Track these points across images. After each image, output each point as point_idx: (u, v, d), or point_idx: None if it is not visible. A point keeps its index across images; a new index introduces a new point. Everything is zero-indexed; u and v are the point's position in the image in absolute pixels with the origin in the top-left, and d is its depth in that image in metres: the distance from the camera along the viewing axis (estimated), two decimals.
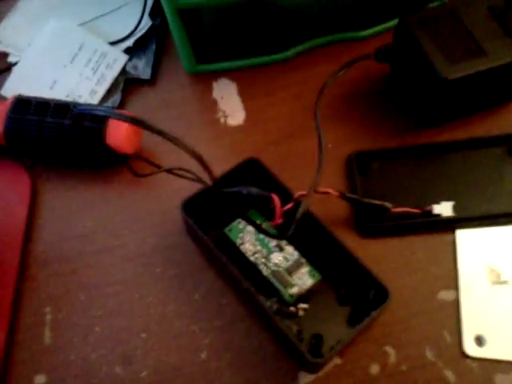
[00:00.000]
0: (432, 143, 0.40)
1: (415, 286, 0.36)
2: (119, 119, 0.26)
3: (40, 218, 0.41)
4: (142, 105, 0.46)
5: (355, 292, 0.34)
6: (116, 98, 0.46)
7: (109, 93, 0.46)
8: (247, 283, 0.33)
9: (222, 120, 0.45)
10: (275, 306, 0.34)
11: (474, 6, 0.40)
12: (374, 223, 0.38)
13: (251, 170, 0.38)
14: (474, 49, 0.37)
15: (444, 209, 0.37)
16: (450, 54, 0.37)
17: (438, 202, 0.37)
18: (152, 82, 0.47)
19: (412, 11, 0.40)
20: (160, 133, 0.26)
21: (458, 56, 0.37)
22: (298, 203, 0.35)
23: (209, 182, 0.36)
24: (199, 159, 0.27)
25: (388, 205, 0.37)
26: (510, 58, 0.37)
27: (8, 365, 0.35)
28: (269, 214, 0.37)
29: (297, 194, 0.36)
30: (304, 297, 0.35)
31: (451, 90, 0.37)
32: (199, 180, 0.37)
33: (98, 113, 0.29)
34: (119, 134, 0.39)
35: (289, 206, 0.35)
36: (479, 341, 0.34)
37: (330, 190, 0.36)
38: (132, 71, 0.47)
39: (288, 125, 0.44)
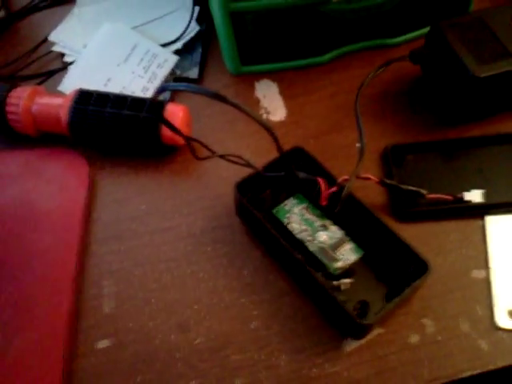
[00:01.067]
0: (462, 138, 0.44)
1: (449, 265, 0.39)
2: (203, 94, 0.30)
3: (97, 201, 0.44)
4: (189, 102, 0.49)
5: (395, 269, 0.37)
6: (166, 94, 0.50)
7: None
8: (299, 255, 0.36)
9: (265, 116, 0.49)
10: (322, 280, 0.37)
11: (500, 14, 0.44)
12: (409, 208, 0.41)
13: (296, 159, 0.42)
14: (501, 51, 0.41)
15: (474, 196, 0.40)
16: (479, 56, 0.41)
17: (468, 190, 0.41)
18: (199, 81, 0.51)
19: (443, 18, 0.44)
20: (237, 106, 0.29)
21: (487, 57, 0.41)
22: (341, 187, 0.38)
23: (259, 168, 0.40)
24: (270, 131, 0.31)
25: (423, 191, 0.40)
26: None
27: (74, 331, 0.38)
28: (313, 199, 0.40)
29: (340, 178, 0.39)
30: (347, 272, 0.38)
31: (481, 87, 0.41)
32: (249, 165, 0.40)
33: (180, 88, 0.33)
34: (176, 122, 0.43)
35: (333, 188, 0.39)
36: (511, 314, 0.36)
37: (371, 176, 0.40)
38: (180, 71, 0.51)
39: (325, 121, 0.48)
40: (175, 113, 0.44)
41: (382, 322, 0.36)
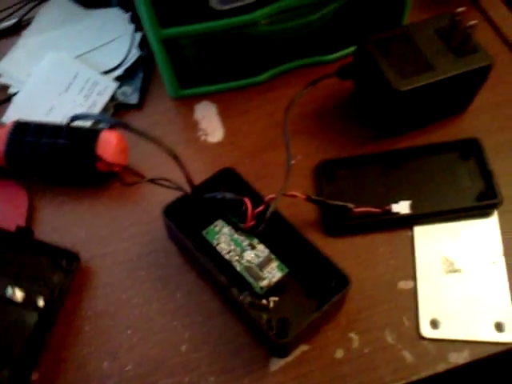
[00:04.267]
0: (391, 150, 0.44)
1: (378, 277, 0.39)
2: (106, 122, 0.31)
3: (37, 230, 0.44)
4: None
5: (321, 284, 0.38)
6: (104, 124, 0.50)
7: None
8: (222, 277, 0.36)
9: (203, 138, 0.49)
10: (248, 299, 0.37)
11: (423, 29, 0.44)
12: (338, 223, 0.41)
13: (227, 180, 0.42)
14: (423, 64, 0.42)
15: (402, 207, 0.41)
16: (401, 70, 0.42)
17: (397, 202, 0.41)
18: (139, 106, 0.52)
19: (371, 34, 0.45)
20: (141, 134, 0.30)
21: (409, 71, 0.41)
22: (268, 206, 0.39)
23: (188, 190, 0.40)
24: (175, 157, 0.31)
25: (350, 205, 0.40)
26: (454, 72, 0.41)
27: None
28: (242, 218, 0.41)
29: (267, 197, 0.39)
30: (274, 290, 0.38)
31: (404, 100, 0.42)
32: (179, 188, 0.41)
33: (89, 117, 0.34)
34: (109, 149, 0.43)
35: (260, 208, 0.39)
36: (434, 324, 0.37)
37: (297, 193, 0.40)
38: (121, 97, 0.52)
39: (262, 140, 0.48)
40: (109, 140, 0.44)
41: (307, 339, 0.37)
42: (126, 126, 0.31)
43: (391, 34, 0.45)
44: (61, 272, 0.41)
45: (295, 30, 0.47)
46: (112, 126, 0.48)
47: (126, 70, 0.53)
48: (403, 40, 0.44)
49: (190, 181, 0.34)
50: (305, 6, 0.44)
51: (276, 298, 0.38)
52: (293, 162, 0.45)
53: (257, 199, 0.40)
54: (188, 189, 0.40)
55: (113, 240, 0.44)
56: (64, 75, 0.53)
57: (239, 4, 0.41)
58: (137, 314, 0.40)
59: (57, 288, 0.40)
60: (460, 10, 0.42)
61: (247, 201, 0.39)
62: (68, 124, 0.37)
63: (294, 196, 0.40)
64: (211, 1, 0.41)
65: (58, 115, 0.51)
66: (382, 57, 0.43)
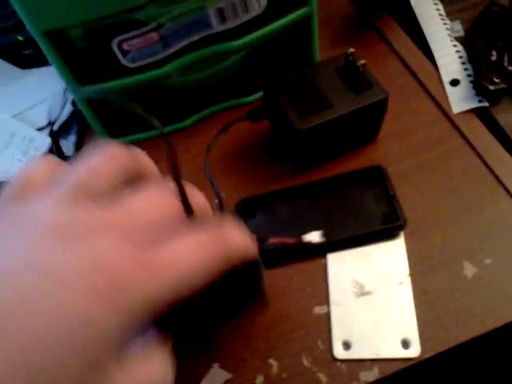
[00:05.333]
0: (304, 183, 0.47)
1: (294, 304, 0.42)
2: None
3: None
4: None
5: None
6: None
7: None
8: None
9: None
10: None
11: (324, 68, 0.48)
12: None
13: None
14: (323, 103, 0.45)
15: (313, 237, 0.44)
16: (303, 110, 0.45)
17: (309, 232, 0.44)
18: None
19: (282, 76, 0.49)
20: None
21: (310, 110, 0.45)
22: None
23: None
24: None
25: (262, 237, 0.43)
26: (351, 108, 0.45)
27: None
28: None
29: None
30: None
31: (307, 138, 0.45)
32: None
33: None
34: None
35: None
36: (346, 345, 0.39)
37: None
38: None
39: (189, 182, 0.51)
40: None
41: (231, 368, 0.39)
42: None
43: (293, 76, 0.48)
44: None
45: (208, 78, 0.50)
46: None
47: (62, 125, 0.57)
48: (305, 81, 0.47)
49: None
50: (213, 56, 0.48)
51: None
52: (215, 201, 0.48)
53: None
54: None
55: None
56: (2, 134, 0.56)
57: (148, 61, 0.45)
58: None
59: None
60: (351, 50, 0.45)
61: None
62: None
63: None
64: (122, 60, 0.44)
65: None
66: (285, 98, 0.46)
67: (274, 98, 0.47)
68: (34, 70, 0.62)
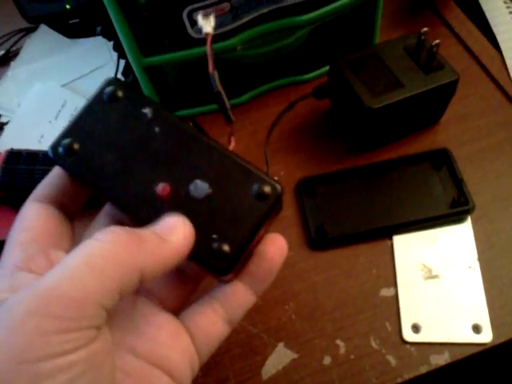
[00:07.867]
0: (368, 164, 0.46)
1: (360, 286, 0.42)
2: None
3: None
4: None
5: None
6: None
7: None
8: None
9: None
10: None
11: (392, 47, 0.47)
12: (319, 237, 0.43)
13: None
14: (394, 82, 0.44)
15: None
16: (373, 88, 0.44)
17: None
18: None
19: (349, 52, 0.47)
20: None
21: (380, 89, 0.44)
22: None
23: None
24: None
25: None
26: (422, 88, 0.44)
27: None
28: None
29: None
30: None
31: (377, 117, 0.44)
32: None
33: None
34: None
35: None
36: (416, 328, 0.39)
37: None
38: None
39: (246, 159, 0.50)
40: None
41: (297, 348, 0.39)
42: None
43: (361, 54, 0.47)
44: None
45: (271, 53, 0.49)
46: None
47: None
48: (373, 60, 0.46)
49: None
50: (279, 30, 0.46)
51: None
52: (276, 178, 0.47)
53: None
54: None
55: None
56: (53, 103, 0.55)
57: (216, 32, 0.44)
58: None
59: None
60: (424, 29, 0.44)
61: None
62: None
63: None
64: (189, 30, 0.43)
65: (49, 142, 0.52)
66: (354, 76, 0.45)
67: (342, 76, 0.45)
68: (83, 40, 0.61)
